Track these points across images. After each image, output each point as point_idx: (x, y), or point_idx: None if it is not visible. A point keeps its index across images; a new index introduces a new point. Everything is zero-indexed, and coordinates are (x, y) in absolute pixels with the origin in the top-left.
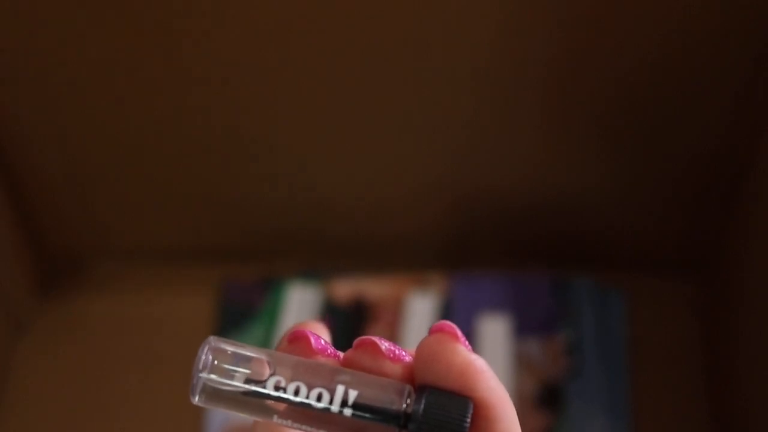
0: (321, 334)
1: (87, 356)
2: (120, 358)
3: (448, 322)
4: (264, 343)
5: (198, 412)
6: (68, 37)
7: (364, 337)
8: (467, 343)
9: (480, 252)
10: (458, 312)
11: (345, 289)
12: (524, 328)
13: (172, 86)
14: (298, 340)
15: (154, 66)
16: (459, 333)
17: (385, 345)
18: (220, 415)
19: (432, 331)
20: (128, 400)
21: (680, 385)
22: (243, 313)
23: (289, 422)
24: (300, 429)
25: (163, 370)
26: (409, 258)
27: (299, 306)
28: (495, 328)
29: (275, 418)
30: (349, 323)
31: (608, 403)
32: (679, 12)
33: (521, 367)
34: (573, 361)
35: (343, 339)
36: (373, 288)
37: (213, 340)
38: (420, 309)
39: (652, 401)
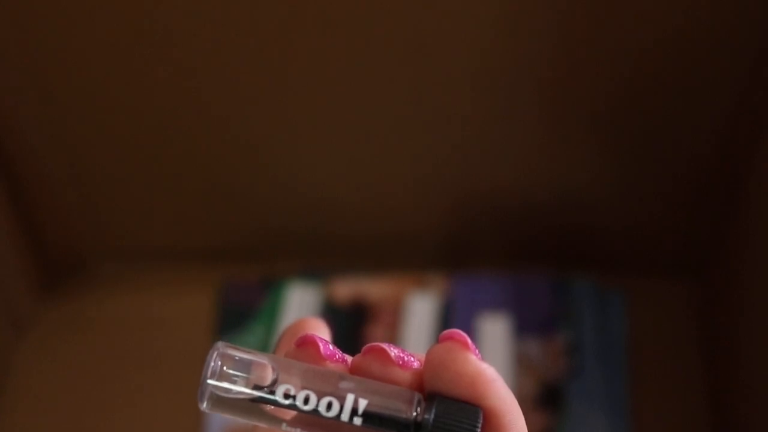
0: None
1: (87, 356)
2: (120, 358)
3: (458, 330)
4: (264, 343)
5: (198, 411)
6: (69, 38)
7: (373, 343)
8: (477, 351)
9: (480, 252)
10: (458, 312)
11: (345, 289)
12: (524, 328)
13: (172, 86)
14: (306, 345)
15: (154, 66)
16: (469, 341)
17: (394, 351)
18: (220, 416)
19: (441, 339)
20: (128, 400)
21: (680, 385)
22: (243, 313)
23: (298, 430)
24: None
25: (163, 370)
26: (409, 258)
27: (299, 306)
28: (495, 328)
29: (283, 426)
30: (348, 323)
31: (608, 403)
32: (679, 12)
33: (521, 367)
34: (573, 361)
35: (343, 339)
36: (373, 288)
37: (222, 346)
38: (420, 309)
39: (652, 401)
